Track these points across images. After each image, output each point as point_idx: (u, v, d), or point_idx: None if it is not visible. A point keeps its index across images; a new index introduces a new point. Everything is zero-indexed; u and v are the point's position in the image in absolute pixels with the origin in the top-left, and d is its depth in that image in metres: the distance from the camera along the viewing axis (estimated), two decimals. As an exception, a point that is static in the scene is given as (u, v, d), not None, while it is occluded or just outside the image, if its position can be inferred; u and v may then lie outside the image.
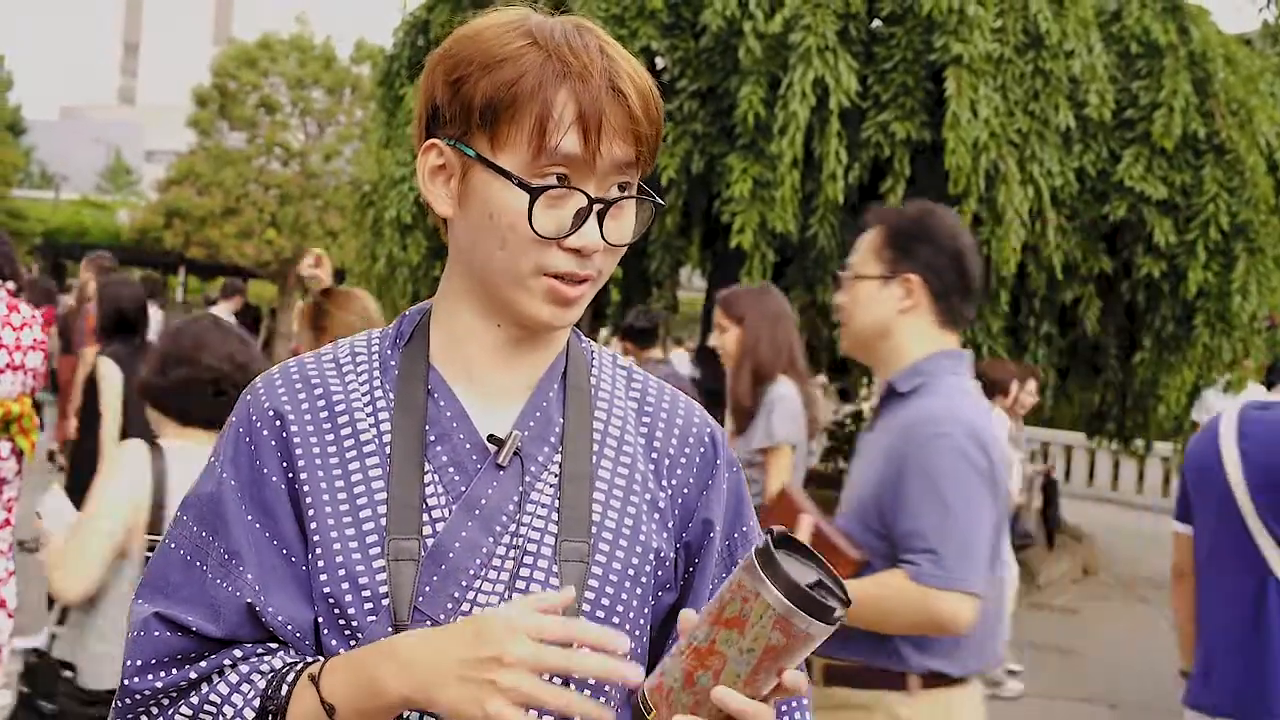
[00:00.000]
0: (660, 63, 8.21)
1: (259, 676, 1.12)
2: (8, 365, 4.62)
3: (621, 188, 1.16)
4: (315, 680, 1.08)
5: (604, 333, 14.28)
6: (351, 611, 1.13)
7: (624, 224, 1.17)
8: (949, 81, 7.36)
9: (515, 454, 1.18)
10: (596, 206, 1.13)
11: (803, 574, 0.99)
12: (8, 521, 4.76)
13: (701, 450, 1.28)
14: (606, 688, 1.16)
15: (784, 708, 1.29)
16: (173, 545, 1.19)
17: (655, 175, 7.97)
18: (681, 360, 19.69)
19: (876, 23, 7.99)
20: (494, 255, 1.15)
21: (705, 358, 11.02)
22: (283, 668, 1.12)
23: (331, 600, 1.13)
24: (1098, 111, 7.83)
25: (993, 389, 5.92)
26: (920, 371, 2.37)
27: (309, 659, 1.13)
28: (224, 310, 11.87)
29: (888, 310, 2.36)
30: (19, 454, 4.74)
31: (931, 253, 2.34)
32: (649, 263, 8.89)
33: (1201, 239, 7.98)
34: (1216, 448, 2.92)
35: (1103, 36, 8.12)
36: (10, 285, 4.77)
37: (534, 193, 1.11)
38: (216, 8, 78.27)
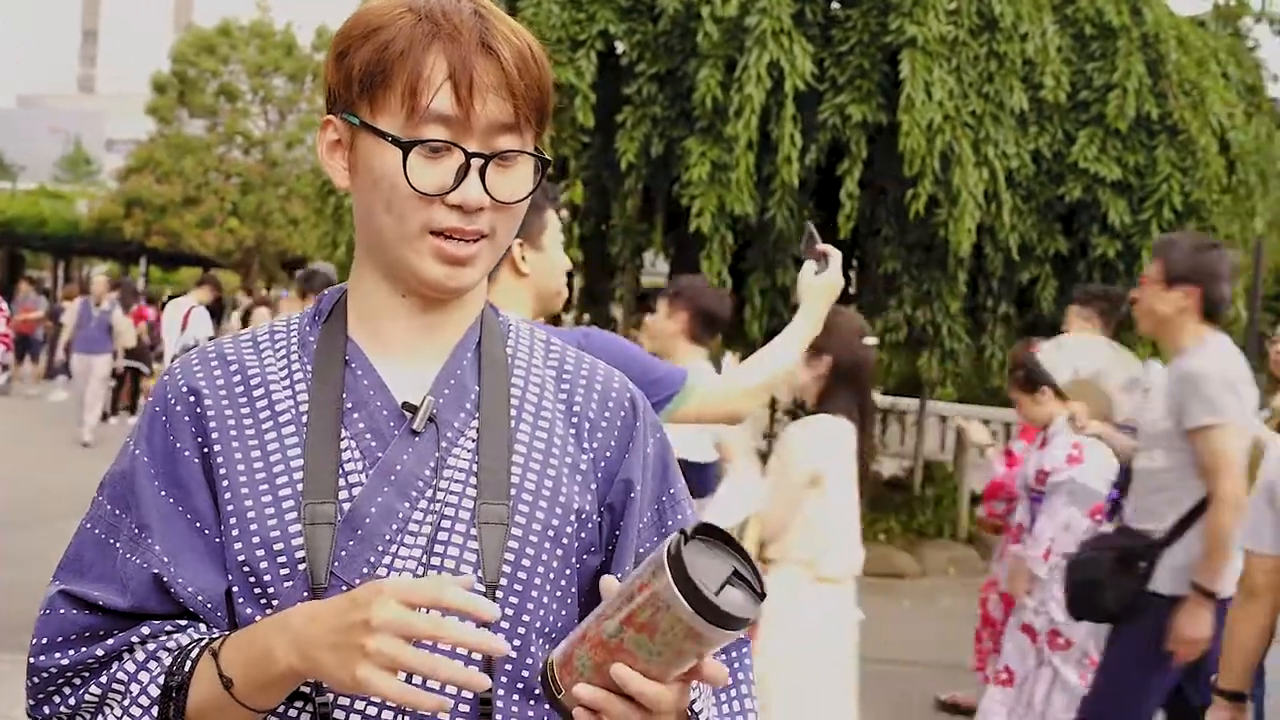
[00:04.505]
0: (619, 46, 8.21)
1: (165, 654, 1.12)
2: None
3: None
4: (215, 654, 1.09)
5: (568, 318, 14.26)
6: (268, 578, 1.13)
7: (512, 181, 1.17)
8: (904, 64, 7.40)
9: (430, 420, 1.19)
10: (475, 161, 1.13)
11: (716, 571, 0.98)
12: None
13: (622, 414, 1.29)
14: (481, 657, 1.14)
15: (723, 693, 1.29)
16: (88, 525, 1.20)
17: (614, 159, 7.97)
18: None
19: (833, 5, 8.02)
20: (382, 219, 1.17)
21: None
22: (189, 644, 1.12)
23: (247, 569, 1.14)
24: (1052, 93, 7.91)
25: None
26: None
27: (214, 635, 1.13)
28: (197, 298, 12.07)
29: None
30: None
31: None
32: (610, 247, 8.89)
33: (1156, 219, 8.07)
34: None
35: (1056, 19, 8.19)
36: None
37: (405, 147, 1.12)
38: (176, -6, 77.32)
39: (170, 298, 15.39)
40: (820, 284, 2.70)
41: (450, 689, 1.11)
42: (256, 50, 29.21)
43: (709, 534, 1.00)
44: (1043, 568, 4.34)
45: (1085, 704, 3.84)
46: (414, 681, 1.08)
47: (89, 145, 48.85)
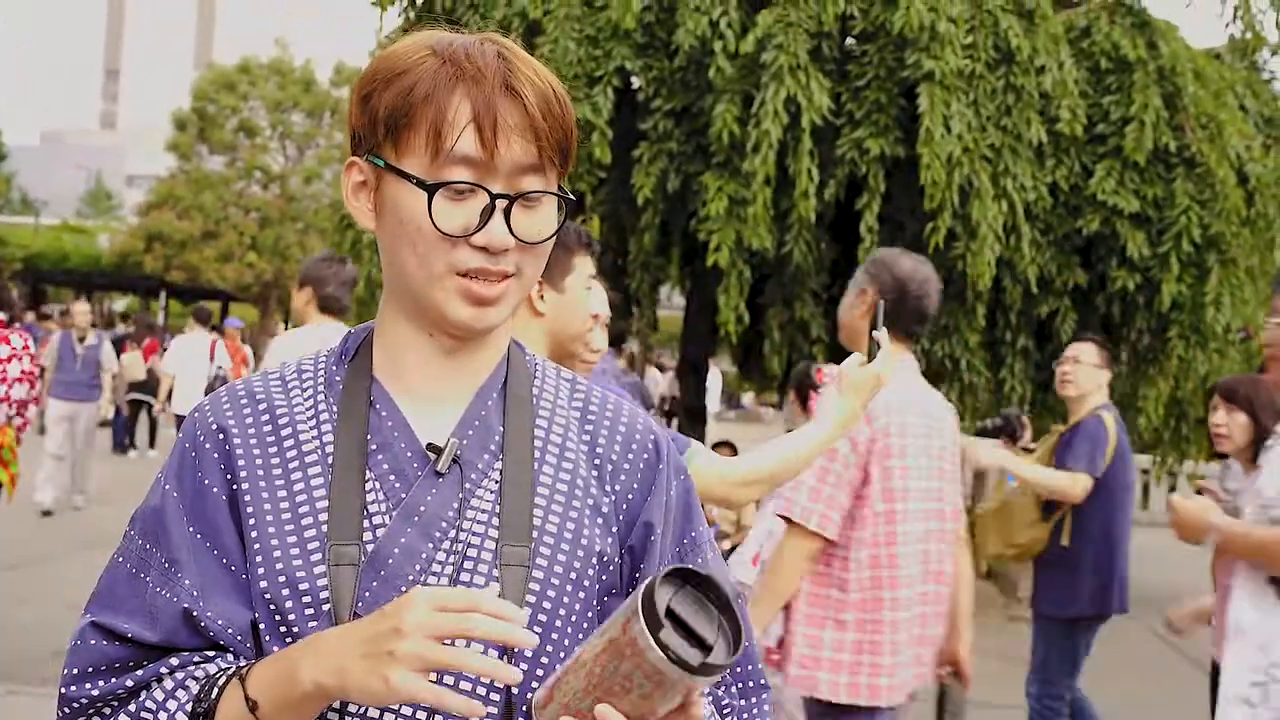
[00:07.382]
0: (635, 82, 8.26)
1: (193, 682, 1.13)
2: None
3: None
4: (243, 679, 1.10)
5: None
6: (292, 617, 1.14)
7: (537, 221, 1.18)
8: (922, 98, 7.42)
9: (454, 461, 1.19)
10: (499, 202, 1.14)
11: (691, 617, 0.99)
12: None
13: (645, 456, 1.29)
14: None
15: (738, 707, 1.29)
16: (120, 559, 1.22)
17: (631, 194, 8.00)
18: (655, 380, 19.55)
19: (849, 41, 8.06)
20: (409, 260, 1.17)
21: (684, 375, 11.06)
22: (216, 673, 1.13)
23: (272, 606, 1.15)
24: (1069, 126, 7.91)
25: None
26: None
27: (242, 664, 1.14)
28: (197, 337, 12.02)
29: None
30: (-1, 486, 4.73)
31: None
32: (628, 282, 8.91)
33: (1174, 251, 8.04)
34: None
35: (1073, 52, 8.20)
36: (1, 316, 4.76)
37: (430, 189, 1.13)
38: (197, 32, 78.35)
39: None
40: (861, 378, 2.43)
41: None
42: (275, 87, 29.52)
43: (686, 578, 1.01)
44: (750, 573, 4.21)
45: None
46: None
47: (110, 181, 49.35)
